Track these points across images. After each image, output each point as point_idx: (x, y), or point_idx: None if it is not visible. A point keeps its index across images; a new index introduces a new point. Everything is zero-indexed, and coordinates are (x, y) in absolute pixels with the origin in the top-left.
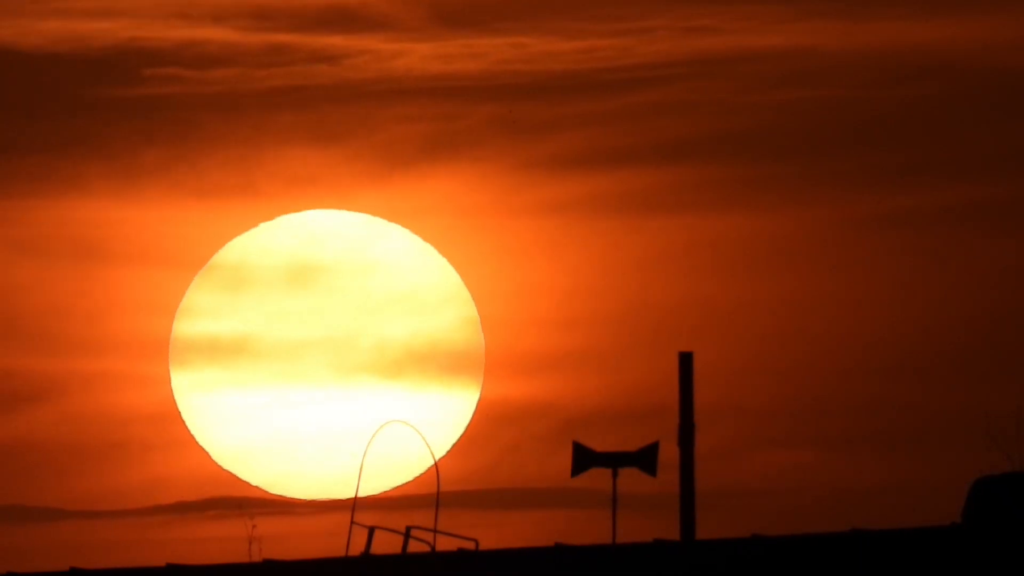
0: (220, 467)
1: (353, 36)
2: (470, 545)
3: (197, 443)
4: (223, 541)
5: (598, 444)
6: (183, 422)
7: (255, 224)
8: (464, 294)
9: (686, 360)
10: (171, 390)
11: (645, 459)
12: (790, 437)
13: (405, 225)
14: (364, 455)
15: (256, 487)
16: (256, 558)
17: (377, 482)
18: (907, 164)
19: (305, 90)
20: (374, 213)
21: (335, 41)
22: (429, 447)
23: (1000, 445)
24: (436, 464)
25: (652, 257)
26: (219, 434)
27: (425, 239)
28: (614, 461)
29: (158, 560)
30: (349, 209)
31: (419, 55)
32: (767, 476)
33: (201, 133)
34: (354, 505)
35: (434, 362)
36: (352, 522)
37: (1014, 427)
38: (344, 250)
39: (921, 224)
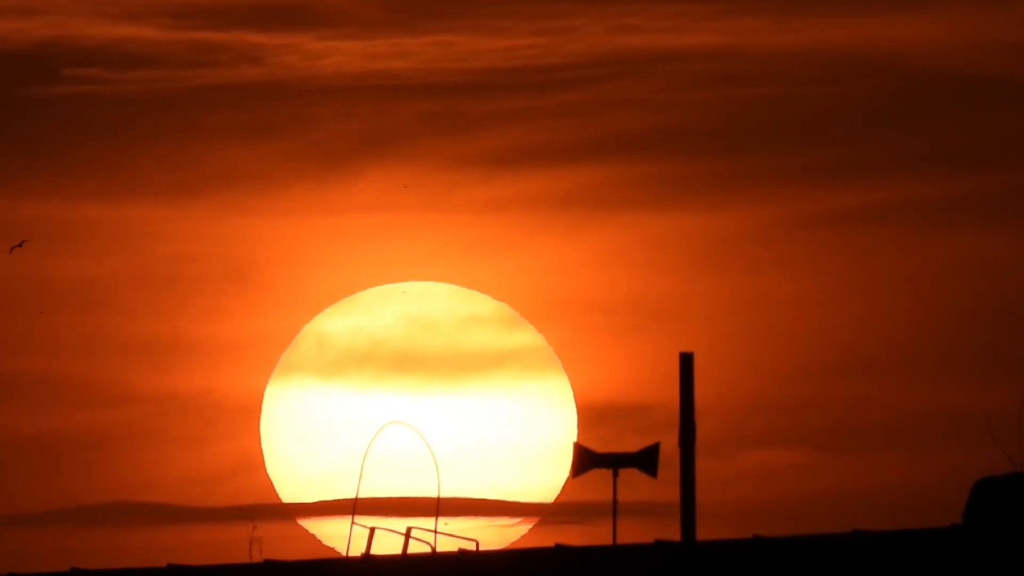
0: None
1: (277, 35)
2: (471, 546)
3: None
4: (223, 542)
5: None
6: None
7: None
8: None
9: (687, 361)
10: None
11: (646, 460)
12: (787, 438)
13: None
14: (364, 456)
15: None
16: (256, 559)
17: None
18: (867, 160)
19: (233, 88)
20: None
21: (259, 40)
22: (430, 448)
23: (1001, 446)
24: (436, 465)
25: (594, 254)
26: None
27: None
28: (615, 462)
29: (158, 561)
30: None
31: (346, 54)
32: (767, 477)
33: (130, 132)
34: (355, 506)
35: (523, 368)
36: (353, 523)
37: (1015, 427)
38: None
39: (918, 222)
